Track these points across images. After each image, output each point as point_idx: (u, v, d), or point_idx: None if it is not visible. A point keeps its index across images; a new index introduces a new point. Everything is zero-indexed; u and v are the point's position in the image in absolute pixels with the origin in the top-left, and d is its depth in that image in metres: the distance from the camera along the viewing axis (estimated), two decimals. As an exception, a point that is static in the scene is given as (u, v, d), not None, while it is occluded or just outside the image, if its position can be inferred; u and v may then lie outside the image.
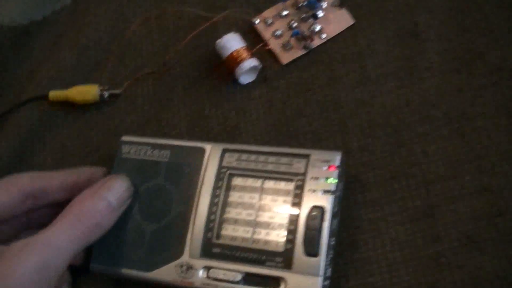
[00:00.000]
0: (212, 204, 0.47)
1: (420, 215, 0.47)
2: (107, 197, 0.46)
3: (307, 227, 0.44)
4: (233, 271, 0.45)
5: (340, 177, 0.46)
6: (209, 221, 0.47)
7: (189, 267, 0.46)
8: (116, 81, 0.58)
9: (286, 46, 0.55)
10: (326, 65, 0.54)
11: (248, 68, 0.53)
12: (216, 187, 0.48)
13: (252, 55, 0.54)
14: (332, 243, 0.45)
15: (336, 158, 0.46)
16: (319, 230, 0.44)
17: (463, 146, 0.49)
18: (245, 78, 0.54)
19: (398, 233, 0.47)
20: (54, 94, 0.57)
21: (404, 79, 0.52)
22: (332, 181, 0.45)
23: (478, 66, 0.51)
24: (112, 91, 0.57)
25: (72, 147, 0.57)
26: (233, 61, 0.53)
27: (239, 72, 0.53)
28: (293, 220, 0.45)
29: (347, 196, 0.48)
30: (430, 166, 0.48)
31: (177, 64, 0.57)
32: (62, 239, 0.42)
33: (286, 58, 0.55)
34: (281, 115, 0.53)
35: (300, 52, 0.54)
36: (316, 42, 0.54)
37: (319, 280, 0.43)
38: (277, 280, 0.44)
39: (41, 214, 0.50)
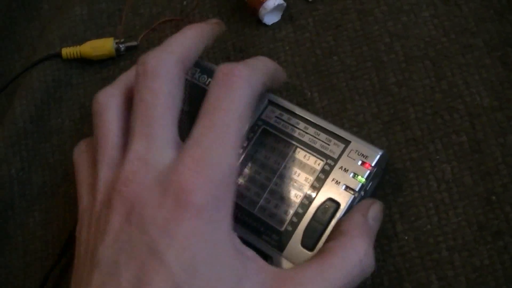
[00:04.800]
0: None
1: (466, 151, 0.45)
2: None
3: (314, 217, 0.41)
4: None
5: (371, 177, 0.42)
6: None
7: None
8: (132, 33, 0.55)
9: (310, -19, 0.52)
10: (354, -2, 0.51)
11: (272, 7, 0.50)
12: (246, 138, 0.45)
13: (276, -8, 0.51)
14: None
15: (375, 155, 0.42)
16: (324, 225, 0.41)
17: (507, 75, 0.46)
18: (270, 19, 0.51)
19: (444, 172, 0.44)
20: (67, 51, 0.55)
21: (439, 7, 0.49)
22: (360, 179, 0.41)
23: (519, -13, 0.48)
24: (129, 44, 0.54)
25: (91, 107, 0.53)
26: (256, 0, 0.50)
27: (263, 12, 0.50)
28: (305, 204, 0.42)
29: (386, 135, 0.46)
30: (474, 99, 0.46)
31: (196, 10, 0.54)
32: None
33: (311, -7, 0.52)
34: (311, 55, 0.50)
35: (326, -14, 0.51)
36: (342, -25, 0.51)
37: None
38: (266, 255, 0.42)
39: None
